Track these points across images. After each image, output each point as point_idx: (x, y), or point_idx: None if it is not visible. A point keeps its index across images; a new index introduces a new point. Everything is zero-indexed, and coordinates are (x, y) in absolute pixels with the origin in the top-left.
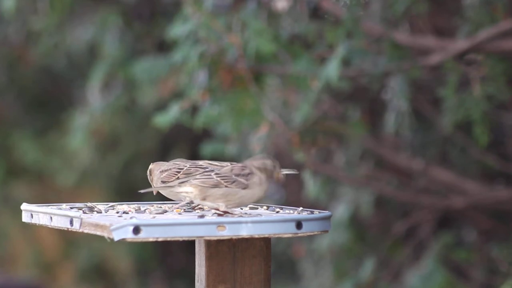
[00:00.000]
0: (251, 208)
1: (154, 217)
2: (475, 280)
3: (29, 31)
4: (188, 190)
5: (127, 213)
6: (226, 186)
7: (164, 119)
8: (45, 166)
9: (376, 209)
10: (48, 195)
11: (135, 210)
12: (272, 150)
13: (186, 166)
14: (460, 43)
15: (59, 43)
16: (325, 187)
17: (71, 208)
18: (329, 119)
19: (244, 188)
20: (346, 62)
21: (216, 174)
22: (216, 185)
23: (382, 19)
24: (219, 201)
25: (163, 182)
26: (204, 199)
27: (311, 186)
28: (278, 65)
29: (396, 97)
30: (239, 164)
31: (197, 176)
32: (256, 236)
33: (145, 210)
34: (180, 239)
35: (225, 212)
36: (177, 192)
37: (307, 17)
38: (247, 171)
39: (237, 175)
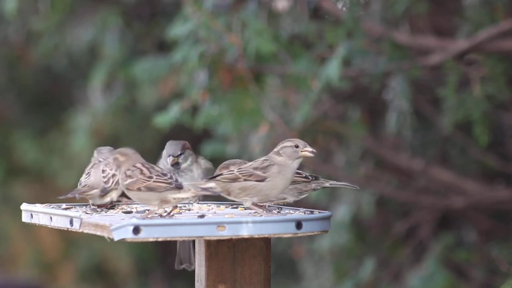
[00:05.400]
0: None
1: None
2: (475, 280)
3: (29, 31)
4: (212, 186)
5: (127, 213)
6: (244, 180)
7: (164, 119)
8: (45, 166)
9: (376, 209)
10: (48, 195)
11: (135, 210)
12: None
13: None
14: (460, 43)
15: (59, 43)
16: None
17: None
18: (329, 119)
19: (261, 181)
20: (346, 62)
21: (238, 170)
22: (235, 179)
23: (382, 19)
24: (241, 195)
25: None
26: (228, 194)
27: None
28: (278, 65)
29: (397, 97)
30: (262, 158)
31: (224, 173)
32: (256, 236)
33: (144, 210)
34: (180, 239)
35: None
36: (203, 188)
37: (307, 17)
38: (266, 163)
39: (255, 168)
